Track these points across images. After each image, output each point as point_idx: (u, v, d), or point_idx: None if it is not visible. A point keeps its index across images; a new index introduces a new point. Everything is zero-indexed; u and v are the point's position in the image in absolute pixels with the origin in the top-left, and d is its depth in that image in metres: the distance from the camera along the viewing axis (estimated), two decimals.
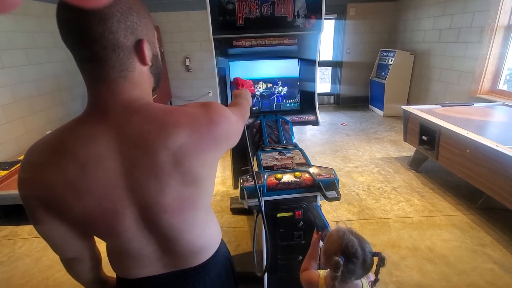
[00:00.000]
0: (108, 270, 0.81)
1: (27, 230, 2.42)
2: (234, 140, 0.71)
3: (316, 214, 1.25)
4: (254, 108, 2.08)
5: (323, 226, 1.13)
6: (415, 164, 3.16)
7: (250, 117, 2.01)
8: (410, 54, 4.84)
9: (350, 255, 0.86)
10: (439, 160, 2.65)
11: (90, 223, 0.58)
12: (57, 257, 0.68)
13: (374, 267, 0.91)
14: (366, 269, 0.90)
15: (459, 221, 2.32)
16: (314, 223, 1.21)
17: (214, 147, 0.61)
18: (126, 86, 0.56)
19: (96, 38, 0.50)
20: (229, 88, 2.03)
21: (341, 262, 0.84)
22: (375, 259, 0.90)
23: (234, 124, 0.69)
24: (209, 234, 0.73)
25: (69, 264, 0.71)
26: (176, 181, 0.58)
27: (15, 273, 1.99)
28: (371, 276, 0.96)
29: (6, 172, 2.66)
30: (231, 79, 1.98)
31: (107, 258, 0.72)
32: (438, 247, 2.05)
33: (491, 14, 3.36)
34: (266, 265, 1.38)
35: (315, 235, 1.12)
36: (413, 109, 3.00)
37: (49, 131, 0.58)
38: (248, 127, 1.96)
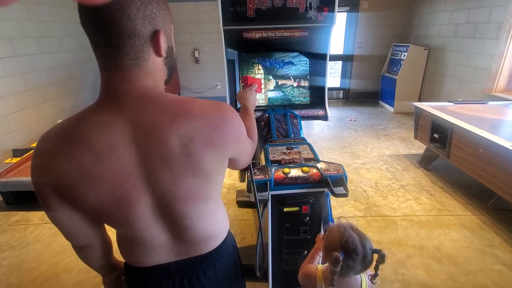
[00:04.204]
0: (117, 256, 0.82)
1: (38, 216, 2.48)
2: (241, 152, 0.70)
3: (324, 208, 1.24)
4: (261, 101, 2.07)
5: (327, 220, 1.13)
6: (425, 162, 3.11)
7: (258, 110, 2.01)
8: (424, 49, 4.72)
9: (350, 251, 0.86)
10: (450, 159, 2.59)
11: (104, 211, 0.58)
12: (67, 242, 0.69)
13: (374, 263, 0.91)
14: (365, 266, 0.90)
15: (468, 221, 2.28)
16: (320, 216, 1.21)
17: (223, 143, 0.61)
18: (139, 74, 0.56)
19: (113, 24, 0.50)
20: (238, 81, 2.02)
21: (341, 258, 0.84)
22: (375, 255, 0.90)
23: (244, 134, 0.69)
24: (219, 222, 0.75)
25: (81, 251, 0.72)
26: (187, 172, 0.58)
27: (26, 257, 2.05)
28: (369, 271, 0.97)
29: (18, 159, 2.72)
30: (241, 77, 1.96)
31: (116, 245, 0.73)
32: (445, 247, 2.02)
33: (509, 9, 3.24)
34: (260, 266, 1.39)
35: (319, 239, 1.11)
36: (425, 106, 2.93)
37: (60, 120, 0.58)
38: (257, 120, 1.95)
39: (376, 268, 0.91)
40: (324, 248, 0.95)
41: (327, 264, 0.95)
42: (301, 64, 2.04)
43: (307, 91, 2.08)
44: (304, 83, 2.07)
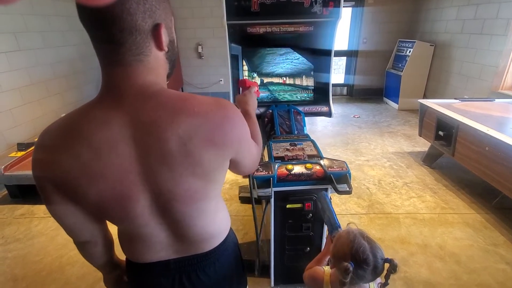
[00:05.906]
0: (119, 254, 0.82)
1: (43, 209, 2.50)
2: (243, 153, 0.67)
3: (327, 209, 1.20)
4: (266, 97, 2.05)
5: (334, 226, 1.08)
6: (429, 160, 3.08)
7: (261, 106, 2.00)
8: (430, 45, 4.65)
9: (360, 262, 0.82)
10: (455, 157, 2.57)
11: (104, 207, 0.58)
12: None
13: (385, 272, 0.87)
14: (376, 275, 0.86)
15: (472, 219, 2.26)
16: (324, 220, 1.16)
17: (223, 142, 0.59)
18: (141, 70, 0.55)
19: (114, 20, 0.49)
20: (241, 76, 2.00)
21: (351, 269, 0.80)
22: (386, 265, 0.85)
23: (247, 134, 0.66)
24: (219, 221, 0.74)
25: (83, 247, 0.73)
26: (187, 172, 0.57)
27: (31, 250, 2.07)
28: (379, 278, 0.92)
29: (23, 153, 2.74)
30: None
31: (118, 241, 0.73)
32: (449, 245, 2.01)
33: None
34: (258, 265, 1.38)
35: (328, 241, 1.06)
36: (431, 103, 2.90)
37: (64, 114, 0.57)
38: (260, 116, 1.94)
39: (387, 277, 0.86)
40: (332, 255, 0.90)
41: (335, 270, 0.91)
42: (305, 60, 2.01)
43: (311, 87, 2.06)
44: (308, 79, 2.05)
